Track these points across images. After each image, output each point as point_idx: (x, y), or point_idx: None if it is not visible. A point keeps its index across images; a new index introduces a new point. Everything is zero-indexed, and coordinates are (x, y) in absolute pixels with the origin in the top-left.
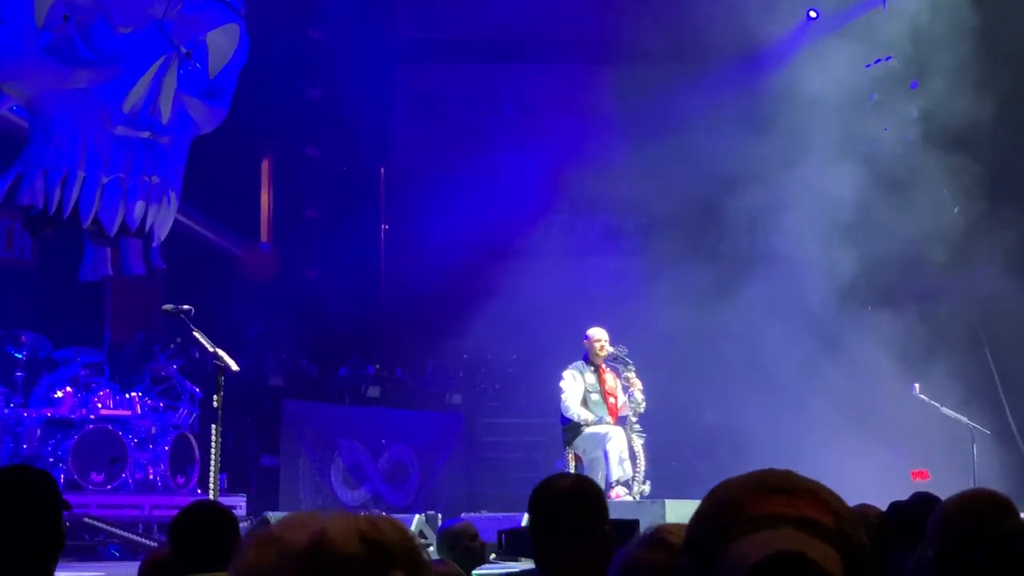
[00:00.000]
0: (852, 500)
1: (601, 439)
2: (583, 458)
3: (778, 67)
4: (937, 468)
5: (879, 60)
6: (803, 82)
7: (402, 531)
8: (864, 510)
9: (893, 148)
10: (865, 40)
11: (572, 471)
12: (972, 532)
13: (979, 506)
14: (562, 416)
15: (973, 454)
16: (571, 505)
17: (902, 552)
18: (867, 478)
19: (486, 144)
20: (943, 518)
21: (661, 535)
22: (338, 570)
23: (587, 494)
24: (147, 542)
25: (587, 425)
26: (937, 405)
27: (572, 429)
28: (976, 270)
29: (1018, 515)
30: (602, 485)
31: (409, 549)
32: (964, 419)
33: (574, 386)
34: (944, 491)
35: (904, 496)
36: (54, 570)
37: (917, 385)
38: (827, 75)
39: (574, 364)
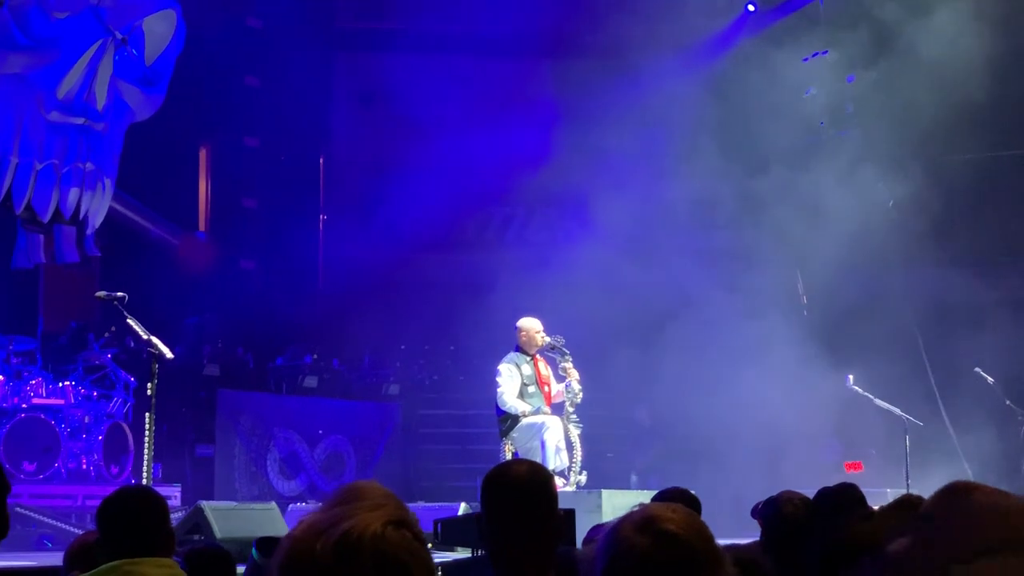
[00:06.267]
0: (783, 490)
1: (538, 429)
2: (519, 448)
3: (716, 60)
4: (870, 460)
5: (816, 54)
6: (740, 76)
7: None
8: (789, 496)
9: (831, 143)
10: (802, 34)
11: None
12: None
13: None
14: (497, 407)
15: (906, 445)
16: (528, 493)
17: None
18: (801, 469)
19: (426, 135)
20: None
21: (655, 523)
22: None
23: (544, 481)
24: (80, 532)
25: (524, 416)
26: (871, 397)
27: (508, 419)
28: (912, 265)
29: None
30: None
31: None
32: (897, 411)
33: (511, 380)
34: (877, 482)
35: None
36: None
37: (851, 376)
38: (764, 69)
39: (508, 357)
